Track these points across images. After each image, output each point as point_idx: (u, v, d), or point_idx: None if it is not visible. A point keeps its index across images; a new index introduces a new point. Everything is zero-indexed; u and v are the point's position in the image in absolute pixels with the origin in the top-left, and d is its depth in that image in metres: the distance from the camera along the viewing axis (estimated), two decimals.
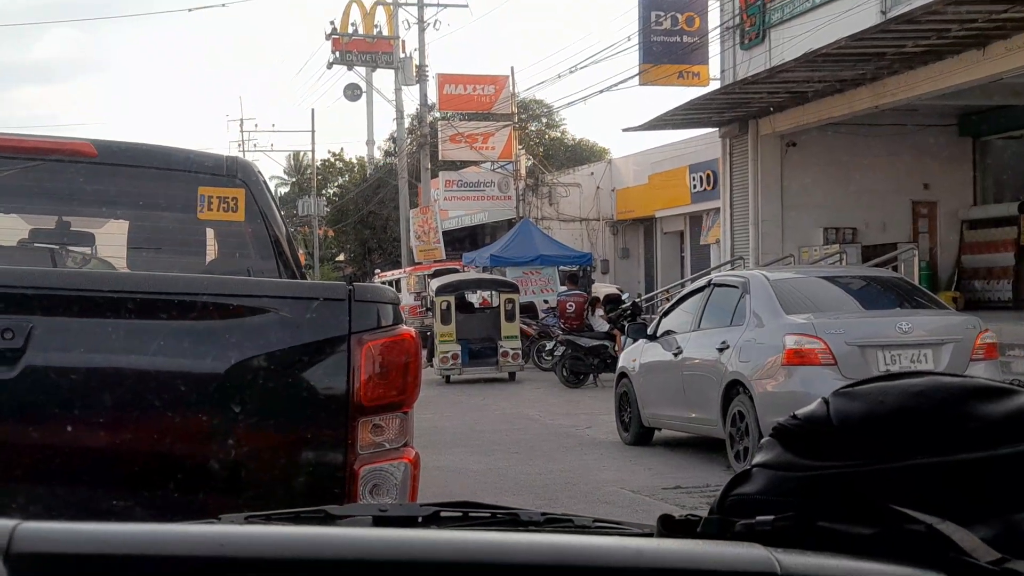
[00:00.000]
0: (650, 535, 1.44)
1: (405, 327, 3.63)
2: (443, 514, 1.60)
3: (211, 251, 5.43)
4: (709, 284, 12.27)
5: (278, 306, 3.52)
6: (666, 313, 13.14)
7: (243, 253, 5.03)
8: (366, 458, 3.54)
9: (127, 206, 5.23)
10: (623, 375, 13.41)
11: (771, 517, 1.34)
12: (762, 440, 1.46)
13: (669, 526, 1.41)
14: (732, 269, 23.01)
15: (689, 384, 11.75)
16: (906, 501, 1.30)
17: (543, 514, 1.62)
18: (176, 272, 4.45)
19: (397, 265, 41.83)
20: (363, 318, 3.49)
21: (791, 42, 22.89)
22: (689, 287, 13.62)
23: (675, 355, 12.03)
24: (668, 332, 12.47)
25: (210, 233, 5.31)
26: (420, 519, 1.58)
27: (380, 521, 1.57)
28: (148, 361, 3.49)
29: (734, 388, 10.72)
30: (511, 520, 1.60)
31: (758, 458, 1.45)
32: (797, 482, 1.38)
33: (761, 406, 10.22)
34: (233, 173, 4.96)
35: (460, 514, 1.61)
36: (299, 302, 3.55)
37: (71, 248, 5.47)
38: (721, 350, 11.05)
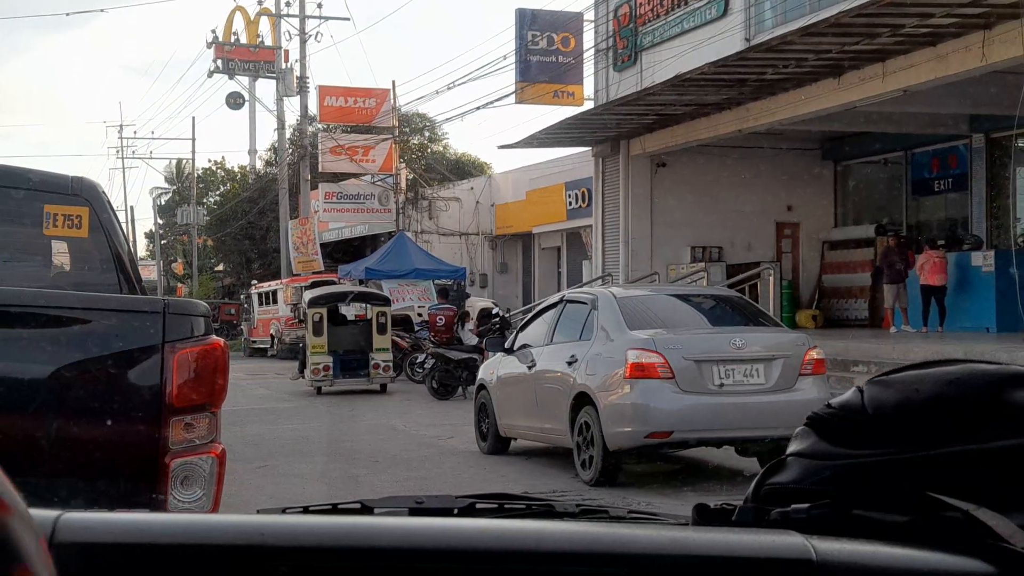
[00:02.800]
0: (685, 524, 1.47)
1: (215, 337, 4.00)
2: (479, 505, 1.61)
3: (56, 264, 5.72)
4: (562, 300, 12.74)
5: (100, 317, 3.87)
6: (523, 327, 13.58)
7: (86, 267, 5.35)
8: (177, 452, 3.91)
9: None
10: (482, 387, 13.81)
11: (806, 505, 1.36)
12: (797, 429, 1.48)
13: (704, 515, 1.44)
14: (602, 285, 23.57)
15: (542, 396, 12.19)
16: (942, 488, 1.31)
17: (578, 504, 1.64)
18: (21, 283, 4.77)
19: (277, 276, 41.80)
20: (176, 329, 3.86)
21: (661, 65, 23.59)
22: (544, 303, 14.06)
23: (529, 368, 12.46)
24: (524, 346, 12.88)
25: (55, 247, 5.61)
26: (456, 510, 1.59)
27: (416, 512, 1.57)
28: None
29: (582, 400, 11.15)
30: (546, 510, 1.61)
31: (792, 447, 1.46)
32: (832, 470, 1.38)
33: (605, 417, 10.69)
34: (78, 192, 5.27)
35: (496, 505, 1.62)
36: (119, 314, 3.91)
37: None
38: (571, 363, 11.50)
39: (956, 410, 1.34)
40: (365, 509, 1.58)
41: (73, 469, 3.80)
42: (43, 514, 1.19)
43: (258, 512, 1.52)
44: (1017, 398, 1.33)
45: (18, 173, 5.36)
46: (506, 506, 1.61)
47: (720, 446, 11.40)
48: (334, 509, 1.60)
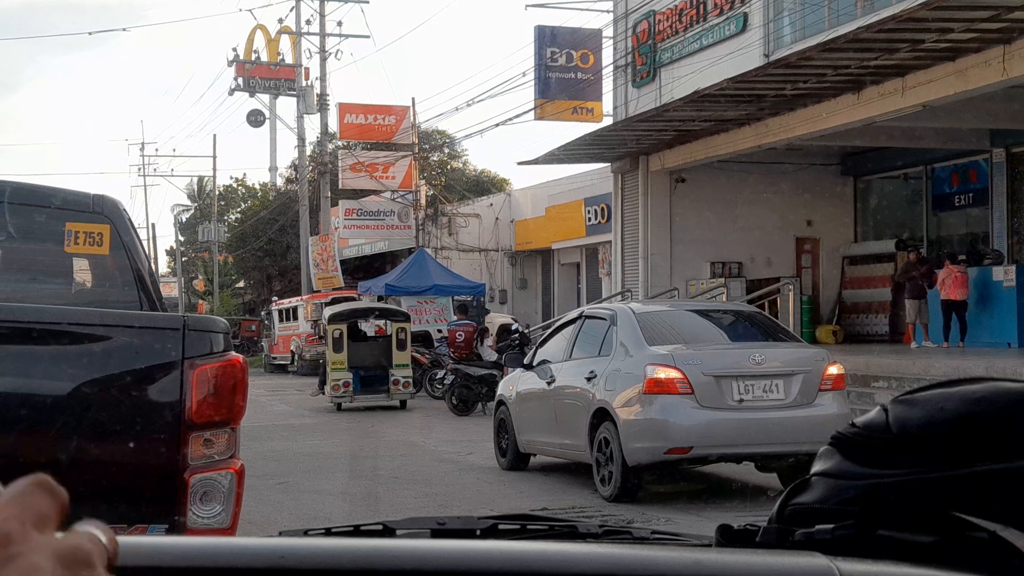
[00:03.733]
0: (708, 546, 1.44)
1: (234, 354, 4.04)
2: (501, 526, 1.59)
3: (78, 281, 5.78)
4: (581, 316, 12.76)
5: (120, 334, 3.92)
6: (542, 343, 13.60)
7: (107, 284, 5.40)
8: (197, 468, 3.95)
9: None
10: (501, 403, 13.83)
11: (831, 526, 1.34)
12: (821, 449, 1.45)
13: (728, 536, 1.41)
14: (621, 300, 23.58)
15: (561, 412, 12.20)
16: (968, 508, 1.30)
17: (601, 526, 1.62)
18: (43, 300, 4.83)
19: (298, 293, 41.94)
20: (196, 345, 3.90)
21: (680, 81, 23.65)
22: (563, 318, 14.09)
23: (548, 384, 12.48)
24: (543, 361, 12.90)
25: (77, 264, 5.67)
26: (478, 531, 1.57)
27: (438, 533, 1.56)
28: (6, 382, 3.86)
29: (601, 416, 11.16)
30: (569, 532, 1.60)
31: (816, 467, 1.43)
32: (857, 491, 1.36)
33: (624, 433, 10.69)
34: (99, 210, 5.32)
35: (518, 526, 1.61)
36: (139, 331, 3.95)
37: None
38: (589, 379, 11.51)
39: (982, 429, 1.31)
40: (387, 531, 1.58)
41: (94, 484, 3.83)
42: None
43: (280, 534, 1.52)
44: None
45: (40, 192, 5.42)
46: (528, 527, 1.60)
47: (740, 462, 11.39)
48: (356, 531, 1.60)
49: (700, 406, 10.50)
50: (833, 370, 10.92)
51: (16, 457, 3.76)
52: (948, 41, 16.03)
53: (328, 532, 1.57)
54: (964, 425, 1.32)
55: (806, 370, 10.82)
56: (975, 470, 1.29)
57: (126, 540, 1.20)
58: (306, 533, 1.53)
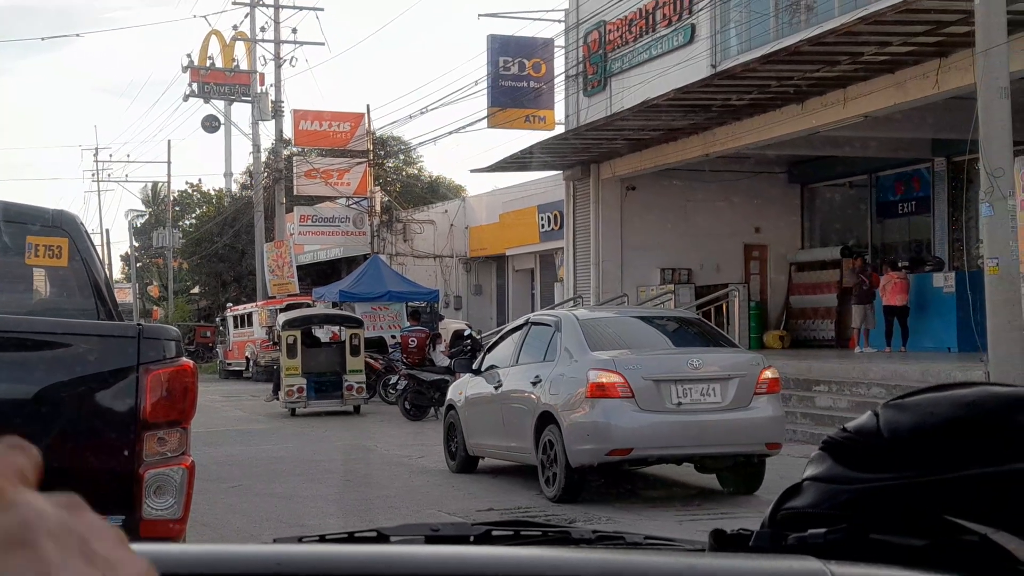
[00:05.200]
0: (702, 551, 1.45)
1: (185, 359, 4.39)
2: (495, 532, 1.60)
3: (38, 291, 6.09)
4: (527, 322, 13.11)
5: (80, 342, 4.26)
6: (490, 349, 13.93)
7: (65, 293, 5.72)
8: (151, 464, 4.30)
9: None
10: (451, 407, 14.14)
11: (823, 530, 1.34)
12: (813, 453, 1.46)
13: (721, 541, 1.42)
14: (572, 306, 23.95)
15: (508, 415, 12.53)
16: (959, 512, 1.31)
17: (594, 531, 1.63)
18: (3, 310, 5.15)
19: (253, 298, 42.03)
20: (150, 352, 4.24)
21: (630, 90, 24.04)
22: (511, 325, 14.43)
23: (496, 388, 12.80)
24: (492, 367, 13.21)
25: (37, 275, 5.98)
26: (472, 537, 1.58)
27: (433, 539, 1.57)
28: None
29: (546, 419, 11.50)
30: (562, 538, 1.60)
31: (808, 472, 1.43)
32: (848, 495, 1.37)
33: (567, 435, 11.04)
34: (58, 224, 5.65)
35: (511, 532, 1.61)
36: (98, 339, 4.29)
37: None
38: (535, 384, 11.86)
39: (973, 433, 1.32)
40: (381, 537, 1.58)
41: (56, 478, 4.15)
42: None
43: (274, 541, 1.55)
44: None
45: (3, 207, 5.73)
46: (522, 533, 1.61)
47: (680, 463, 11.77)
48: (350, 538, 1.62)
49: (640, 409, 10.86)
50: (768, 374, 11.33)
51: None
52: (887, 54, 16.50)
53: (323, 539, 1.58)
54: (955, 429, 1.33)
55: (742, 374, 11.21)
56: (966, 474, 1.30)
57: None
58: (300, 540, 1.54)
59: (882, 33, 15.74)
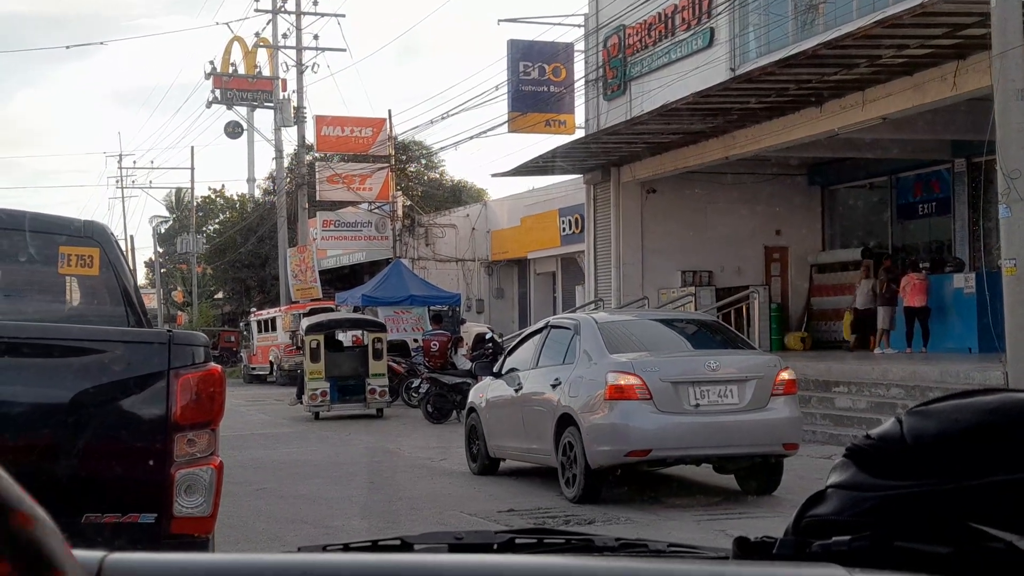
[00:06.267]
0: (725, 558, 1.45)
1: (213, 364, 4.58)
2: (518, 541, 1.59)
3: (71, 300, 6.30)
4: (547, 325, 13.27)
5: (114, 348, 4.46)
6: (510, 352, 14.09)
7: (97, 301, 5.93)
8: (181, 464, 4.49)
9: None
10: (472, 410, 14.31)
11: (847, 537, 1.35)
12: (836, 460, 1.45)
13: (744, 548, 1.42)
14: (593, 309, 24.07)
15: (528, 417, 12.69)
16: (984, 519, 1.30)
17: (617, 539, 1.62)
18: (39, 318, 5.37)
19: (276, 303, 42.29)
20: (180, 357, 4.45)
21: (650, 94, 24.18)
22: (530, 328, 14.59)
23: (516, 391, 12.96)
24: (512, 370, 13.37)
25: (69, 284, 6.19)
26: (495, 545, 1.58)
27: (456, 548, 1.57)
28: (10, 391, 4.39)
29: (565, 421, 11.65)
30: (585, 546, 1.60)
31: (832, 479, 1.43)
32: (873, 502, 1.36)
33: (587, 437, 11.19)
34: (90, 235, 5.86)
35: (535, 540, 1.61)
36: (130, 345, 4.50)
37: None
38: (555, 386, 12.01)
39: (997, 439, 1.31)
40: (405, 546, 1.58)
41: (92, 478, 4.37)
42: (89, 555, 1.20)
43: (299, 550, 1.58)
44: None
45: (36, 219, 5.94)
46: (545, 541, 1.60)
47: (698, 464, 11.90)
48: (374, 546, 1.61)
49: (659, 411, 11.00)
50: (785, 375, 11.46)
51: (29, 454, 4.29)
52: (904, 57, 16.57)
53: (347, 548, 1.58)
54: (978, 436, 1.32)
55: (759, 376, 11.34)
56: (990, 480, 1.29)
57: (154, 558, 1.25)
58: (325, 549, 1.56)
59: (899, 36, 15.81)
